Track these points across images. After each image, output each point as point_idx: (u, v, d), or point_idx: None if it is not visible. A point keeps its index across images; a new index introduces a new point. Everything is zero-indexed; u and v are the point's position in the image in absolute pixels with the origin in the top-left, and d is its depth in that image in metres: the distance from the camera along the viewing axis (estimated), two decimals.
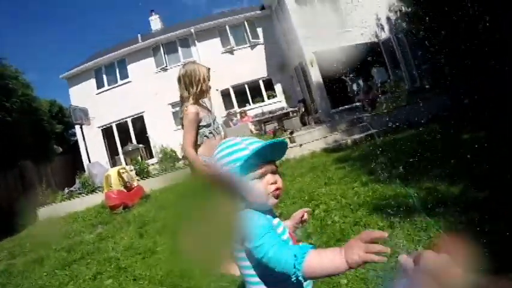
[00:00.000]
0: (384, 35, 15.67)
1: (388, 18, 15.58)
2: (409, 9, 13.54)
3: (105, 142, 17.60)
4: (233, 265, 2.91)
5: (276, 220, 1.23)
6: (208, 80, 2.97)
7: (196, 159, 2.74)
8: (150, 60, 17.81)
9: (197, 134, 2.81)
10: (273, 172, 1.22)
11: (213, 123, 2.94)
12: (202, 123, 2.84)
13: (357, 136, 10.40)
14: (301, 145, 10.32)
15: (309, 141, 10.64)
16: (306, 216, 1.47)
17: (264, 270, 1.11)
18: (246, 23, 17.92)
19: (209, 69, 3.02)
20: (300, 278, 0.95)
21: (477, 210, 2.89)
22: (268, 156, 1.20)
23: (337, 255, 0.93)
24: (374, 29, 15.42)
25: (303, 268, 0.94)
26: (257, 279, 1.17)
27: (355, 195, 4.39)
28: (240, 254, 1.20)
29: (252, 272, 1.17)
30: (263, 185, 1.18)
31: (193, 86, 2.89)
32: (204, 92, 2.95)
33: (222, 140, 3.05)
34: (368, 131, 10.49)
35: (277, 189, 1.20)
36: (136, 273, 3.58)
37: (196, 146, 2.82)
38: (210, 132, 2.88)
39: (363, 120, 11.67)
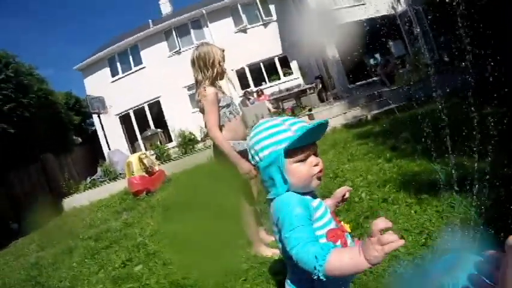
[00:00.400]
0: (401, 7, 15.14)
1: None
2: None
3: (123, 129, 17.79)
4: (263, 246, 2.83)
5: (317, 201, 1.20)
6: (224, 62, 2.88)
7: (225, 143, 2.67)
8: (163, 45, 17.72)
9: (219, 115, 2.74)
10: (315, 153, 1.17)
11: (232, 103, 2.87)
12: (222, 103, 2.76)
13: (376, 111, 10.27)
14: None
15: (329, 118, 10.34)
16: (347, 194, 1.42)
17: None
18: (258, 1, 17.60)
19: (223, 50, 2.91)
20: (322, 277, 0.94)
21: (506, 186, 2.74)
22: (309, 138, 1.14)
23: (357, 255, 0.91)
24: (390, 0, 14.93)
25: (324, 269, 0.93)
26: (297, 272, 1.15)
27: (380, 172, 4.28)
28: (276, 236, 1.20)
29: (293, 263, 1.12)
30: (307, 167, 1.14)
31: (208, 68, 2.81)
32: (219, 74, 2.87)
33: (242, 122, 2.98)
34: (387, 105, 10.32)
35: (320, 171, 1.16)
36: (165, 257, 3.55)
37: (219, 127, 2.74)
38: (231, 113, 2.81)
39: (382, 95, 11.46)
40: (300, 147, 1.12)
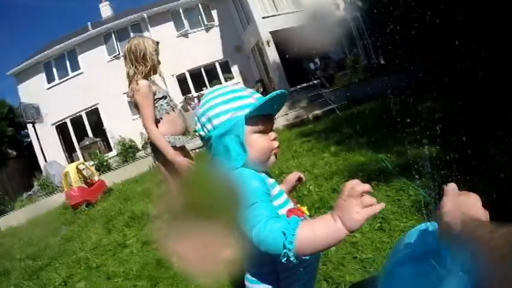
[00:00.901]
0: (339, 13, 15.81)
1: None
2: None
3: (60, 139, 16.83)
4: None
5: (272, 180, 1.10)
6: (157, 54, 2.71)
7: (161, 138, 2.54)
8: (102, 49, 17.07)
9: (154, 108, 2.59)
10: (272, 128, 1.10)
11: (168, 96, 2.74)
12: (158, 95, 2.63)
13: (318, 111, 10.58)
14: None
15: None
16: (302, 176, 1.34)
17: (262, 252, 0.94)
18: (200, 6, 17.51)
19: (157, 42, 2.76)
20: (292, 258, 0.82)
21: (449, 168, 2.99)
22: (271, 109, 1.07)
23: (331, 223, 0.82)
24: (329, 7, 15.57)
25: (295, 247, 0.81)
26: (257, 265, 1.07)
27: (326, 165, 4.41)
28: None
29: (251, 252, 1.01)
30: (266, 140, 1.06)
31: (139, 62, 2.64)
32: (152, 68, 2.71)
33: (180, 115, 2.87)
34: (328, 106, 10.69)
35: (278, 147, 1.09)
36: (109, 271, 3.43)
37: (155, 121, 2.60)
38: (168, 104, 2.68)
39: (323, 96, 11.90)
40: (260, 118, 1.04)
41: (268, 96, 1.01)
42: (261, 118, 1.04)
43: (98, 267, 3.66)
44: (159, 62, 2.74)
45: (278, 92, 1.02)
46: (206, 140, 1.09)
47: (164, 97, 2.67)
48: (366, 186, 0.81)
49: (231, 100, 1.04)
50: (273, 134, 1.08)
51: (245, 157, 1.01)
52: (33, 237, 6.53)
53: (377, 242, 2.31)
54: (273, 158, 1.08)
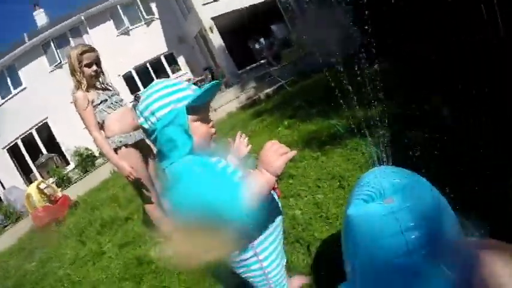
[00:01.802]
0: None
1: None
2: None
3: (14, 162, 16.05)
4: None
5: (214, 158, 1.22)
6: (82, 63, 2.66)
7: (104, 144, 2.64)
8: (42, 59, 16.29)
9: (94, 115, 2.66)
10: (208, 115, 1.23)
11: (110, 98, 2.76)
12: (96, 101, 2.67)
13: (268, 90, 10.78)
14: (215, 109, 10.38)
15: (223, 104, 10.81)
16: (243, 137, 1.57)
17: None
18: (138, 0, 17.13)
19: (83, 51, 2.67)
20: (247, 218, 1.03)
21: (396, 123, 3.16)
22: (206, 98, 1.18)
23: (260, 176, 1.05)
24: None
25: (246, 208, 1.01)
26: None
27: (281, 138, 4.55)
28: None
29: None
30: (205, 126, 1.18)
31: (73, 73, 2.67)
32: (88, 77, 2.70)
33: (128, 111, 2.89)
34: (277, 83, 10.89)
35: (215, 132, 1.23)
36: (93, 280, 3.45)
37: (99, 127, 2.69)
38: (109, 107, 2.72)
39: (271, 74, 12.07)
40: (198, 107, 1.15)
41: (204, 87, 1.12)
42: (199, 107, 1.15)
43: (81, 280, 3.67)
44: (93, 71, 2.71)
45: (211, 83, 1.13)
46: (150, 133, 1.16)
47: (104, 101, 2.71)
48: (280, 146, 1.07)
49: (172, 93, 1.12)
50: (210, 121, 1.21)
51: (190, 144, 1.11)
52: (9, 269, 6.30)
53: (339, 199, 2.49)
54: (212, 142, 1.22)
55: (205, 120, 1.19)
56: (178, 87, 1.15)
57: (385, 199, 1.02)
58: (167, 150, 1.14)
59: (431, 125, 2.85)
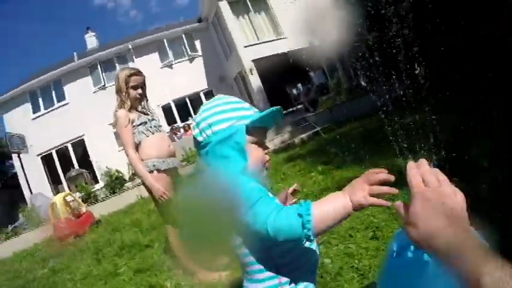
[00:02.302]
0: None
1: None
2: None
3: (46, 171, 16.56)
4: (204, 271, 2.81)
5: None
6: (129, 86, 2.80)
7: (139, 163, 2.66)
8: (88, 80, 17.12)
9: (132, 135, 2.73)
10: (265, 142, 1.16)
11: (149, 121, 2.84)
12: (136, 122, 2.76)
13: (303, 135, 10.76)
14: None
15: None
16: (297, 187, 1.39)
17: (265, 250, 1.01)
18: (184, 36, 17.84)
19: (131, 73, 2.84)
20: (312, 237, 0.87)
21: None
22: (268, 122, 1.14)
23: (340, 198, 0.88)
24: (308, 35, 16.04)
25: (312, 225, 0.85)
26: (258, 266, 1.04)
27: (315, 184, 4.49)
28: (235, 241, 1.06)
29: (251, 258, 1.04)
30: (261, 152, 1.12)
31: (118, 93, 2.81)
32: (133, 99, 2.82)
33: (166, 138, 2.97)
34: (313, 129, 10.92)
35: (269, 160, 1.14)
36: None
37: (135, 147, 2.74)
38: (148, 130, 2.78)
39: (307, 120, 12.14)
40: (257, 130, 1.09)
41: (268, 110, 1.07)
42: (258, 130, 1.09)
43: None
44: (137, 93, 2.83)
45: (275, 108, 1.08)
46: (202, 146, 1.10)
47: (143, 123, 2.78)
48: (382, 176, 0.86)
49: (234, 110, 1.09)
50: (266, 147, 1.13)
51: (244, 164, 1.04)
52: (20, 270, 6.38)
53: (372, 250, 2.39)
54: (265, 171, 1.12)
55: (262, 145, 1.13)
56: (240, 106, 1.12)
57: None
58: (218, 166, 1.08)
59: (478, 178, 2.74)
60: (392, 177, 0.85)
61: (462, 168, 2.89)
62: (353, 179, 2.65)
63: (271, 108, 1.08)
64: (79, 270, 4.75)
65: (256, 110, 1.14)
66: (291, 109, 15.28)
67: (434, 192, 0.65)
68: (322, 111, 12.66)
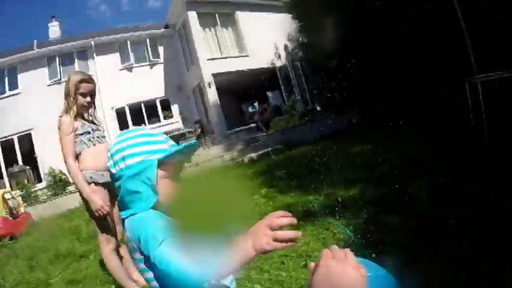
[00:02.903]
0: (280, 62, 16.98)
1: (286, 46, 16.91)
2: (306, 39, 14.97)
3: None
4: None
5: None
6: (84, 91, 2.72)
7: (78, 174, 2.59)
8: (44, 71, 16.40)
9: (73, 144, 2.64)
10: (180, 174, 1.15)
11: (93, 131, 2.75)
12: (79, 131, 2.67)
13: (253, 154, 11.03)
14: (197, 164, 10.35)
15: (205, 161, 10.71)
16: None
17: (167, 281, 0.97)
18: (148, 41, 17.81)
19: (85, 79, 2.74)
20: (213, 282, 0.90)
21: (374, 205, 3.30)
22: (182, 157, 1.12)
23: (243, 245, 0.87)
24: (271, 55, 16.61)
25: (212, 273, 0.88)
26: None
27: (255, 206, 4.61)
28: (140, 264, 1.05)
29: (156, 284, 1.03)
30: (174, 188, 1.10)
31: (66, 96, 2.69)
32: (80, 106, 2.72)
33: (107, 149, 3.03)
34: (263, 149, 11.24)
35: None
36: None
37: (75, 157, 2.65)
38: (89, 140, 2.70)
39: (258, 140, 12.47)
40: (171, 164, 1.08)
41: (183, 145, 1.07)
42: (172, 165, 1.08)
43: None
44: (85, 101, 2.75)
45: (190, 143, 1.08)
46: (116, 179, 1.09)
47: (87, 132, 2.70)
48: (285, 220, 0.87)
49: (147, 143, 1.07)
50: (176, 186, 1.11)
51: (155, 200, 1.04)
52: None
53: (302, 279, 2.41)
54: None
55: (176, 180, 1.12)
56: (155, 139, 1.10)
57: None
58: (129, 201, 1.06)
59: (410, 211, 2.90)
60: (294, 220, 0.87)
61: (401, 200, 3.19)
62: (292, 206, 3.24)
63: (187, 144, 1.08)
64: (11, 276, 4.61)
65: (173, 142, 1.14)
66: (244, 127, 15.62)
67: (337, 262, 0.69)
68: (275, 132, 13.05)
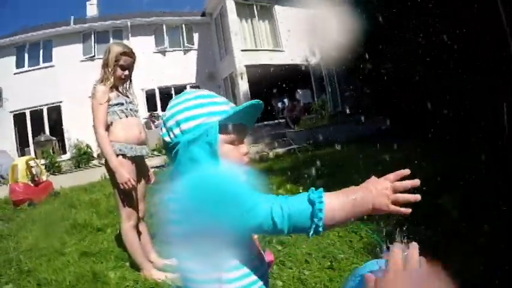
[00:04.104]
0: (314, 60, 16.59)
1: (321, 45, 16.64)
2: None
3: (15, 129, 16.03)
4: (154, 270, 2.79)
5: None
6: (124, 64, 2.69)
7: (107, 143, 2.53)
8: (78, 47, 16.71)
9: (106, 114, 2.59)
10: (243, 141, 1.00)
11: (126, 103, 2.72)
12: (113, 101, 2.63)
13: (279, 150, 10.89)
14: None
15: None
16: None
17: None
18: (183, 26, 17.82)
19: (127, 52, 2.70)
20: (321, 229, 0.78)
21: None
22: (245, 119, 0.96)
23: (360, 193, 0.82)
24: (306, 53, 16.29)
25: (325, 215, 0.78)
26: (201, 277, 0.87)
27: None
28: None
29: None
30: (237, 153, 0.96)
31: (104, 67, 2.66)
32: (116, 78, 2.69)
33: (139, 123, 2.85)
34: (290, 146, 11.09)
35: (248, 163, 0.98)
36: (41, 277, 3.18)
37: (106, 127, 2.60)
38: (122, 112, 2.66)
39: (286, 136, 12.33)
40: (233, 127, 0.93)
41: (244, 104, 0.91)
42: (234, 128, 0.93)
43: (30, 271, 3.41)
44: (122, 73, 2.71)
45: (253, 101, 0.93)
46: (171, 148, 0.93)
47: (121, 104, 2.66)
48: (408, 183, 0.82)
49: (205, 105, 0.93)
50: (244, 148, 0.97)
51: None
52: None
53: (326, 280, 2.34)
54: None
55: (238, 145, 0.96)
56: (213, 100, 0.95)
57: None
58: (186, 172, 0.87)
59: (439, 224, 2.76)
60: (418, 182, 0.81)
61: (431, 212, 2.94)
62: None
63: (250, 102, 0.92)
64: (26, 241, 4.60)
65: (233, 104, 0.99)
66: (272, 122, 15.42)
67: (409, 274, 0.62)
68: (303, 130, 12.83)
